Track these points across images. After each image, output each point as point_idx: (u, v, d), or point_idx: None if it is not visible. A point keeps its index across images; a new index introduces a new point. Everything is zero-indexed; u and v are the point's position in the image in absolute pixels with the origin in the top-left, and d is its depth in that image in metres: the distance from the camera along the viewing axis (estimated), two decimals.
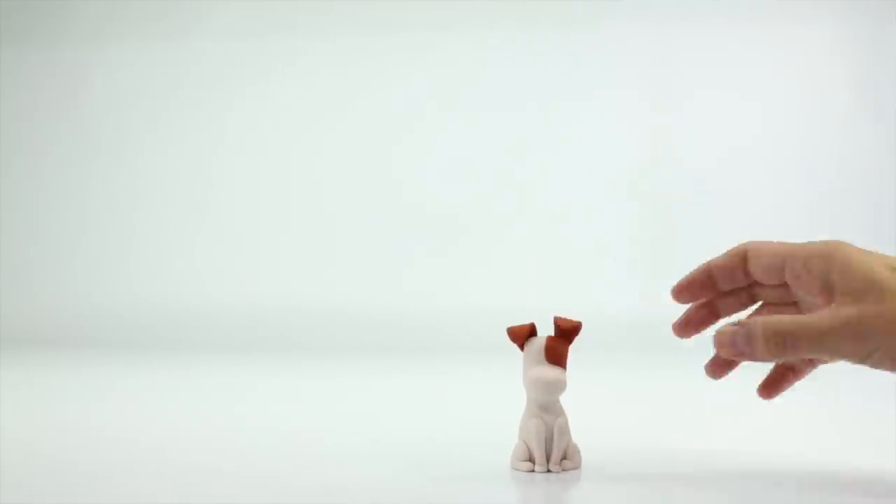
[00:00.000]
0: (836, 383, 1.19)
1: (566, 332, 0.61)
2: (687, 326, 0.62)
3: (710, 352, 0.61)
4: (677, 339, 0.63)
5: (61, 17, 1.98)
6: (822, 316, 0.52)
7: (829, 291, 0.53)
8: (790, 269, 0.56)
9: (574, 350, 0.62)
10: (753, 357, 0.55)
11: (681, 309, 0.62)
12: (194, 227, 1.90)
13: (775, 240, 0.58)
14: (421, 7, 1.87)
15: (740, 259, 0.59)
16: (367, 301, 1.75)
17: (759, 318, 0.55)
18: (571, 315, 0.63)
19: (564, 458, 0.61)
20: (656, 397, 1.05)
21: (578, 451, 0.62)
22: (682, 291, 0.61)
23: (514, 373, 0.65)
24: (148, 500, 0.57)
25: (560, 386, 0.60)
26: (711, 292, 0.60)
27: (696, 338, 0.62)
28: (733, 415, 0.89)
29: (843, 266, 0.53)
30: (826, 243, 0.55)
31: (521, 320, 0.63)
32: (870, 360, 0.52)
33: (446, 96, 1.87)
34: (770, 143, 1.79)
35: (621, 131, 1.83)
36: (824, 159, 1.77)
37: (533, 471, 0.61)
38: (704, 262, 0.60)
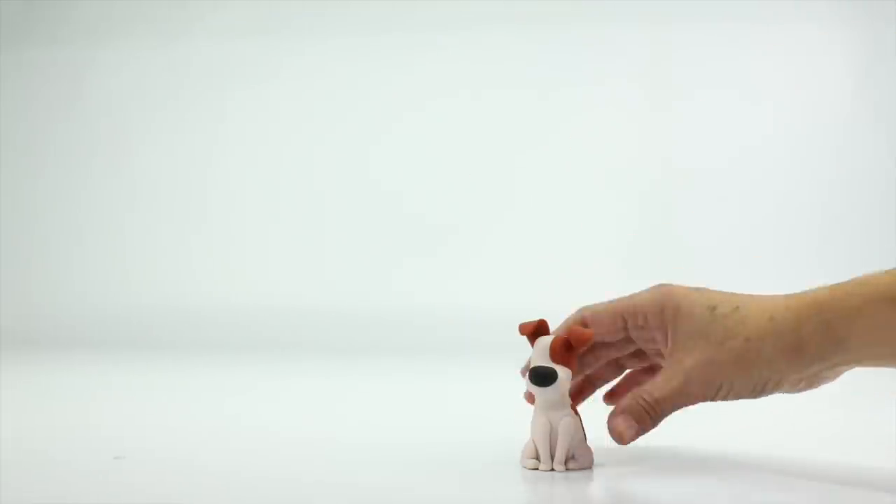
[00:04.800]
0: (835, 382, 1.19)
1: (576, 342, 0.61)
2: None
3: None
4: None
5: (61, 18, 1.98)
6: (668, 376, 0.60)
7: (668, 340, 0.60)
8: (632, 324, 0.62)
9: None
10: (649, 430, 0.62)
11: None
12: (192, 228, 1.90)
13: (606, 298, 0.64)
14: (416, 6, 1.87)
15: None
16: (361, 301, 1.75)
17: (630, 402, 0.61)
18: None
19: (572, 457, 0.60)
20: None
21: (590, 453, 0.62)
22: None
23: (510, 371, 0.66)
24: (146, 499, 0.57)
25: None
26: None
27: None
28: (732, 414, 0.89)
29: (673, 317, 0.60)
30: (656, 293, 0.61)
31: (517, 320, 0.63)
32: (719, 398, 0.59)
33: (438, 96, 1.87)
34: (770, 142, 1.79)
35: (617, 130, 1.83)
36: (824, 159, 1.77)
37: (538, 468, 0.61)
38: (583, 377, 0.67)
